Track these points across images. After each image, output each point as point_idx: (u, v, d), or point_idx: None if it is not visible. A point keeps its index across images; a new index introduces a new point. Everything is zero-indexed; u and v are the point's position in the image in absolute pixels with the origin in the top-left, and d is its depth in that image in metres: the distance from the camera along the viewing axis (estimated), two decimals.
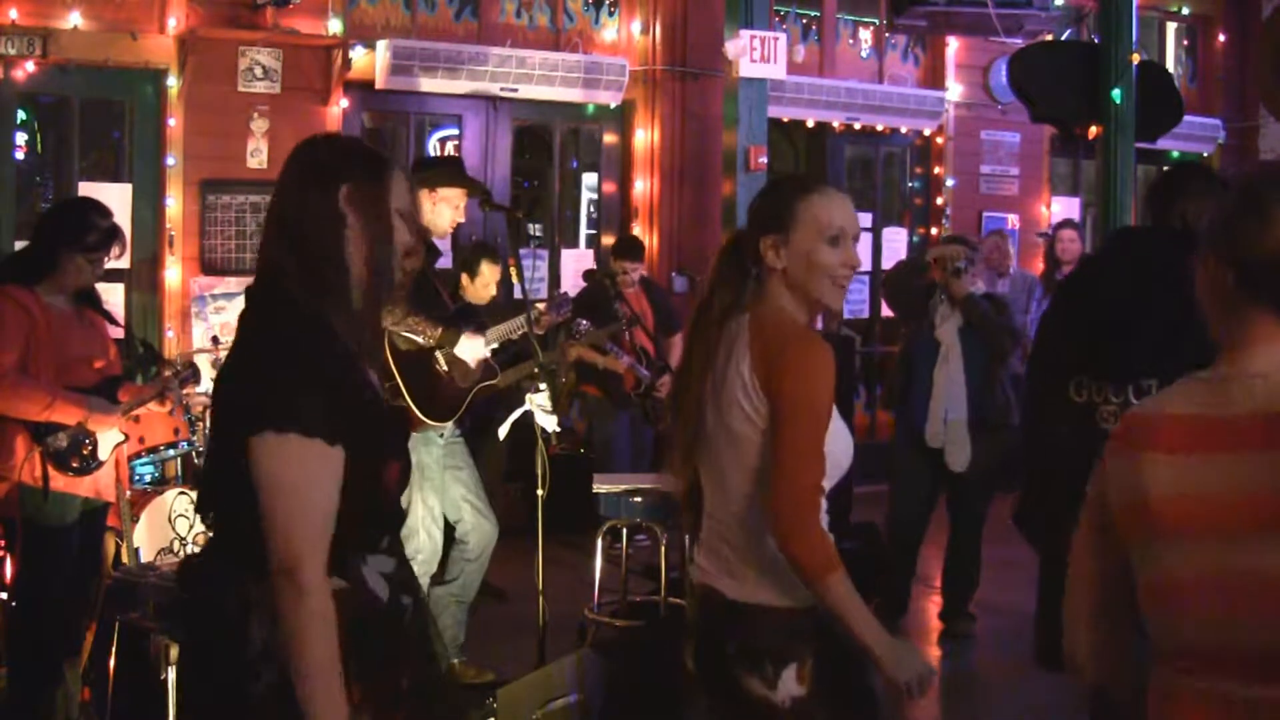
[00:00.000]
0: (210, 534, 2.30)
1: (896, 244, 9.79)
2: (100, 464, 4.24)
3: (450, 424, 4.85)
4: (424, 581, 4.60)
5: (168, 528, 5.32)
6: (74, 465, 4.17)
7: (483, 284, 6.17)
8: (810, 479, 2.33)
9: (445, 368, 4.74)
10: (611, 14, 8.62)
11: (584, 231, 9.12)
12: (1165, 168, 4.34)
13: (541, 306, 5.40)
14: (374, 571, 2.18)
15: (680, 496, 2.71)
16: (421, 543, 4.72)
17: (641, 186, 8.67)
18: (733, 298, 2.49)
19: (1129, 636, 1.91)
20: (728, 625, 2.46)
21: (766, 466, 2.38)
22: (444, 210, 4.77)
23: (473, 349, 4.74)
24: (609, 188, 8.84)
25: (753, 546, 2.41)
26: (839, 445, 2.44)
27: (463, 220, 4.91)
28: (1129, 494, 1.81)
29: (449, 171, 4.99)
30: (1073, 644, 1.97)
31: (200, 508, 2.34)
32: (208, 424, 5.90)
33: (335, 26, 7.29)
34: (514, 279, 4.78)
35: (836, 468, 2.44)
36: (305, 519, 2.03)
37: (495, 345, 4.96)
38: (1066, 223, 8.59)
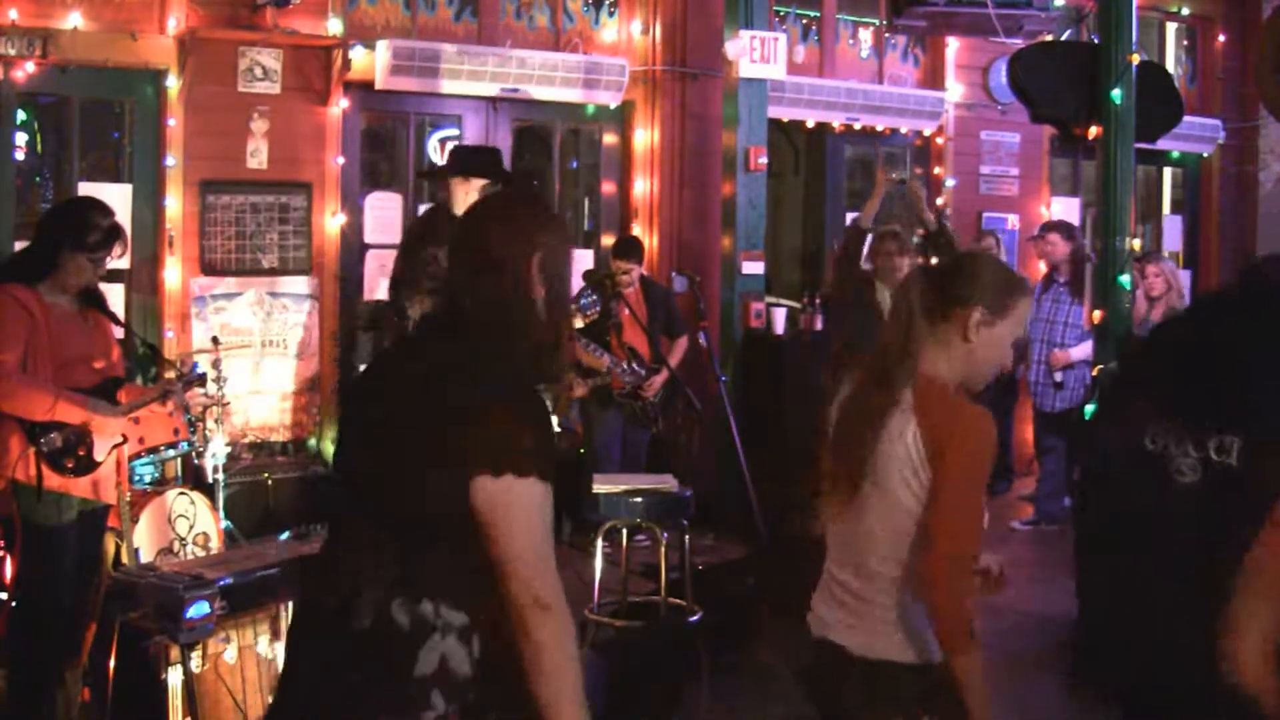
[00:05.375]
0: (371, 564, 2.22)
1: None
2: (97, 465, 4.23)
3: None
4: None
5: (167, 528, 5.33)
6: (69, 465, 4.16)
7: None
8: (970, 547, 2.42)
9: None
10: (611, 14, 8.62)
11: (584, 231, 9.11)
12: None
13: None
14: None
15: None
16: None
17: (641, 187, 8.66)
18: (907, 342, 2.54)
19: None
20: (856, 680, 2.55)
21: (917, 531, 2.46)
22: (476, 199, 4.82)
23: None
24: (609, 188, 8.83)
25: (890, 604, 2.49)
26: None
27: None
28: None
29: (483, 162, 5.12)
30: (1239, 653, 2.05)
31: (376, 539, 2.23)
32: (208, 424, 5.92)
33: (335, 27, 7.29)
34: None
35: None
36: (549, 556, 2.13)
37: None
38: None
